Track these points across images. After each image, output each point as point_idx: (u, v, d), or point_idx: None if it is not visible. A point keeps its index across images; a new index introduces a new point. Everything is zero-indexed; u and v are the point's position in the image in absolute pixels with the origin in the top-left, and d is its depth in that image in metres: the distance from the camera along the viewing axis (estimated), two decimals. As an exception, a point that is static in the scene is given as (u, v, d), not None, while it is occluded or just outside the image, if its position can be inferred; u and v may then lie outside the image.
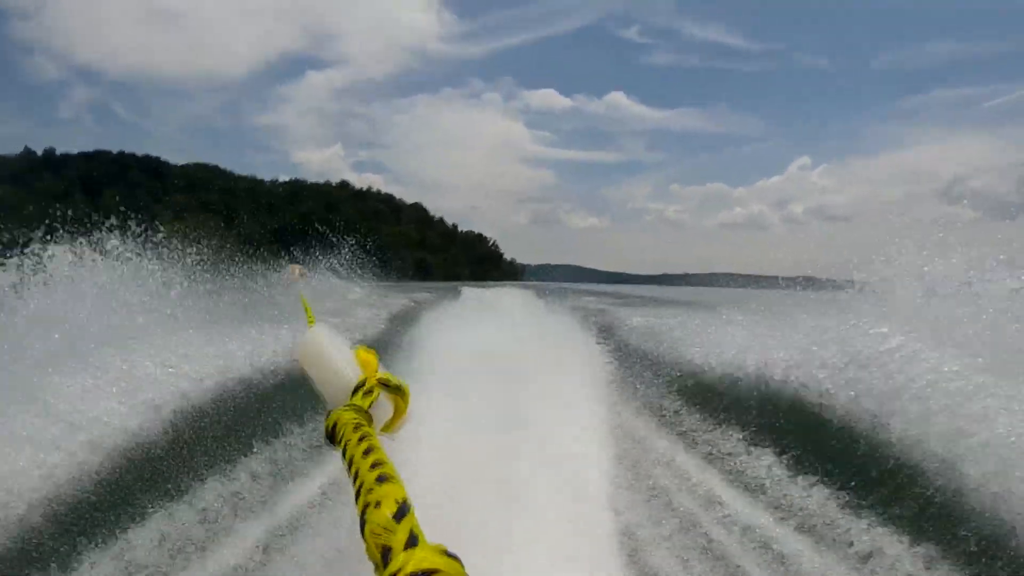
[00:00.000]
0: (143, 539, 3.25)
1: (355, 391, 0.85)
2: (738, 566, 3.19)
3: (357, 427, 0.73)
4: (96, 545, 3.09)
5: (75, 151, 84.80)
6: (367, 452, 0.65)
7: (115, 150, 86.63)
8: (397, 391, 0.89)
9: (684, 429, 5.38)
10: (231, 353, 5.68)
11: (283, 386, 5.53)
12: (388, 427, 0.90)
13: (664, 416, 5.78)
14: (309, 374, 0.94)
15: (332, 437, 0.75)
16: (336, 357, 0.92)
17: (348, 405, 0.81)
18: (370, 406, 0.83)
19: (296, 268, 20.53)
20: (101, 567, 2.98)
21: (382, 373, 0.91)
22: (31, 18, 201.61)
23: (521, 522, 3.18)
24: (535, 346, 8.46)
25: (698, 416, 5.60)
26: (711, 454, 4.76)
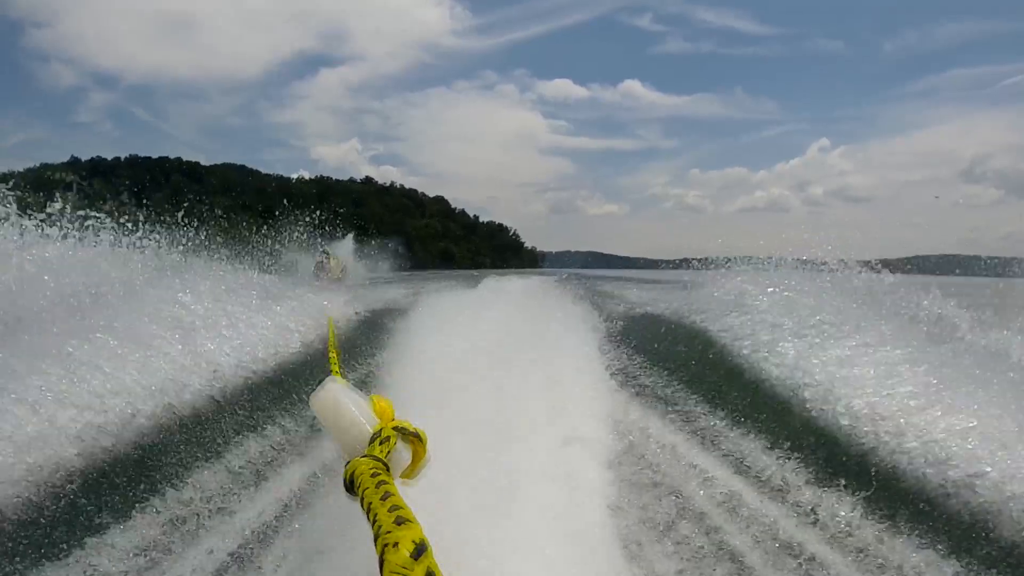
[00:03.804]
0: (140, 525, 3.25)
1: (372, 440, 0.85)
2: (742, 562, 3.14)
3: (375, 474, 0.73)
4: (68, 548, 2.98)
5: (95, 155, 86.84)
6: (385, 497, 0.66)
7: (132, 153, 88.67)
8: (414, 437, 0.91)
9: (694, 423, 5.13)
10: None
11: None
12: (408, 473, 0.92)
13: (669, 407, 5.53)
14: (326, 426, 0.95)
15: (351, 487, 0.75)
16: (352, 409, 0.91)
17: (365, 455, 0.81)
18: (387, 454, 0.83)
19: (334, 261, 17.14)
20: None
21: (398, 421, 0.92)
22: (46, 26, 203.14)
23: (518, 518, 3.06)
24: (536, 333, 7.96)
25: (703, 410, 5.38)
26: (716, 449, 4.58)
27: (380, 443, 0.84)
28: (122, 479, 3.53)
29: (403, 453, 0.89)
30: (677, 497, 3.79)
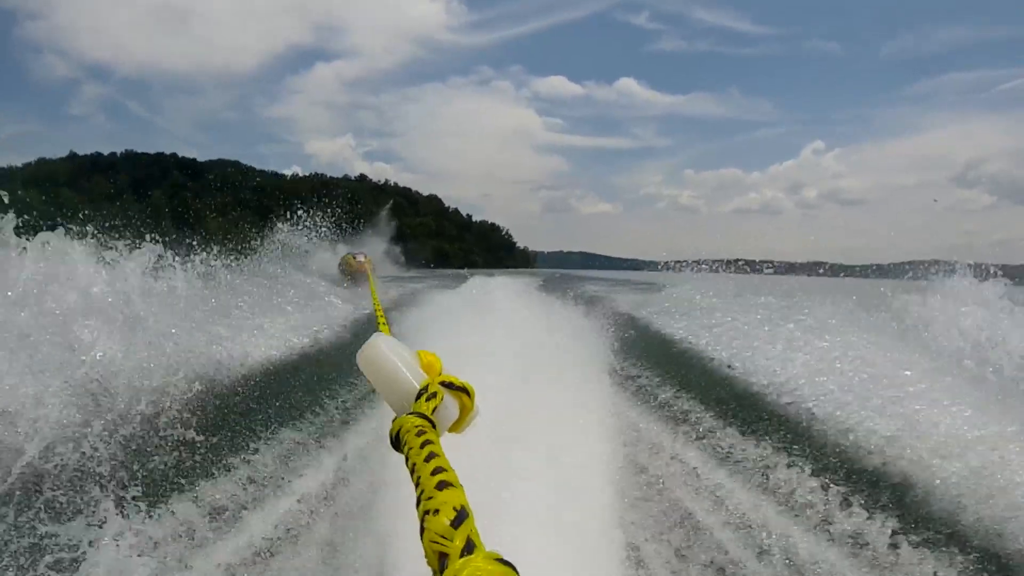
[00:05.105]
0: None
1: (418, 396, 0.84)
2: (740, 562, 3.17)
3: (420, 433, 0.72)
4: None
5: (92, 151, 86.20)
6: (428, 458, 0.65)
7: (126, 147, 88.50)
8: (461, 391, 0.89)
9: (691, 425, 5.19)
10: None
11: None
12: (456, 427, 0.90)
13: (669, 411, 5.60)
14: (372, 382, 0.93)
15: (397, 444, 0.74)
16: (398, 364, 0.90)
17: (411, 411, 0.80)
18: (434, 410, 0.82)
19: (361, 257, 17.75)
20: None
21: (445, 375, 0.90)
22: (40, 18, 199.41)
23: (518, 517, 2.98)
24: (535, 338, 7.83)
25: (702, 411, 5.44)
26: (715, 450, 4.64)
27: (427, 399, 0.83)
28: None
29: (450, 407, 0.87)
30: (678, 501, 3.85)
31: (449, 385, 0.88)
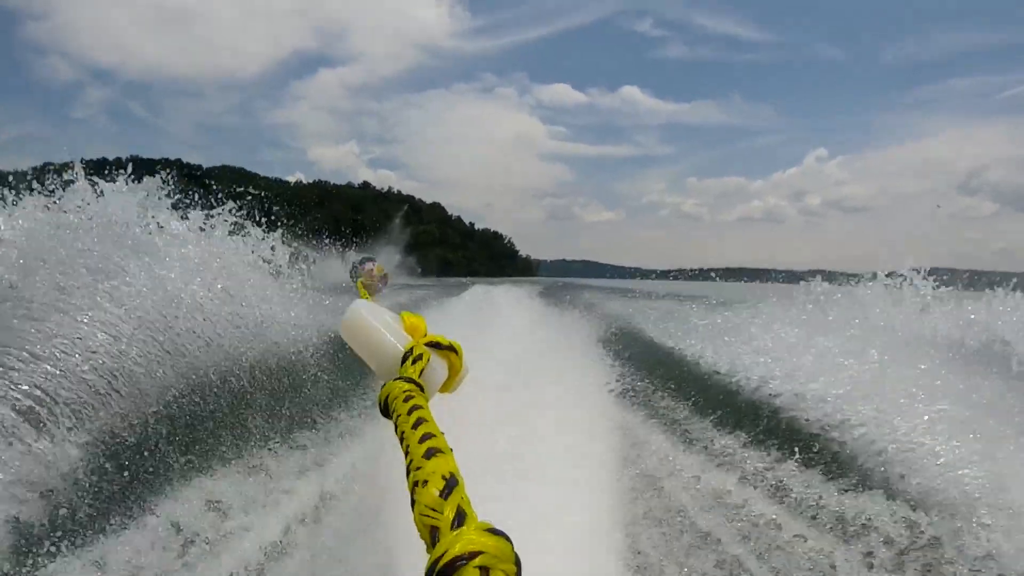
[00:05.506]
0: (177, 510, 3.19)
1: (404, 359, 0.82)
2: (738, 561, 3.17)
3: (408, 398, 0.70)
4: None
5: (99, 156, 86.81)
6: (417, 424, 0.63)
7: (130, 151, 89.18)
8: (449, 350, 0.87)
9: (687, 429, 5.25)
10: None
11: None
12: (446, 387, 0.88)
13: (666, 416, 5.62)
14: (356, 350, 0.90)
15: (386, 410, 0.72)
16: (380, 329, 0.87)
17: (399, 376, 0.77)
18: (421, 373, 0.80)
19: (371, 264, 17.34)
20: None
21: (431, 336, 0.87)
22: (44, 19, 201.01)
23: (518, 517, 3.06)
24: (536, 345, 7.94)
25: (702, 414, 5.47)
26: (711, 452, 4.68)
27: (413, 362, 0.81)
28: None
29: (438, 368, 0.85)
30: (676, 501, 3.87)
31: (435, 345, 0.86)
